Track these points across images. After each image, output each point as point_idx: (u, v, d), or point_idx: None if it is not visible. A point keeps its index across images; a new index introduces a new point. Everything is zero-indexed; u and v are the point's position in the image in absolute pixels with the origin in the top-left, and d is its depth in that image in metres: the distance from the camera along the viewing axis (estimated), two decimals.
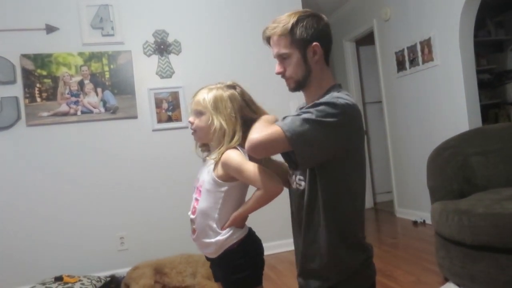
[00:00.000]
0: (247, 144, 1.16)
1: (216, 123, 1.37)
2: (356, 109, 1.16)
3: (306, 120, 1.09)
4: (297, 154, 1.11)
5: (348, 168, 1.18)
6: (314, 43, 1.21)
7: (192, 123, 1.45)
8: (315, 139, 1.09)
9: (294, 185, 1.29)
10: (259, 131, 1.15)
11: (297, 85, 1.26)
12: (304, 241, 1.24)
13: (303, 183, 1.23)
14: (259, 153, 1.19)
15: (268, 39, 1.27)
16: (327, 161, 1.15)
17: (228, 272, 1.40)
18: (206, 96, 1.41)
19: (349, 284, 1.18)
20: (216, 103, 1.39)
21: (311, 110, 1.11)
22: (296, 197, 1.29)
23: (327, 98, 1.15)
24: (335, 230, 1.18)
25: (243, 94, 1.42)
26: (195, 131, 1.45)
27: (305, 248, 1.24)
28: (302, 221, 1.24)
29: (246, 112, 1.39)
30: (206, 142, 1.48)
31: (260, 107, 1.43)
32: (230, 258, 1.38)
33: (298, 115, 1.12)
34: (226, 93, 1.39)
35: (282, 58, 1.24)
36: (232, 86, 1.42)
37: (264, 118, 1.34)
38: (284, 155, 1.22)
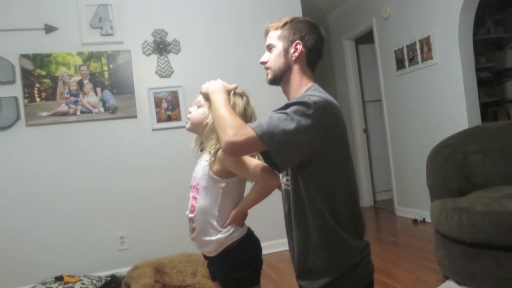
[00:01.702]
0: (222, 142, 1.15)
1: (210, 118, 1.40)
2: (330, 104, 1.16)
3: (280, 122, 1.10)
4: (273, 156, 1.12)
5: (328, 164, 1.17)
6: (297, 41, 1.27)
7: (190, 112, 1.51)
8: (290, 141, 1.09)
9: (283, 186, 1.31)
10: (233, 130, 1.12)
11: (274, 77, 1.31)
12: (296, 241, 1.25)
13: (290, 183, 1.24)
14: (234, 154, 1.22)
15: (267, 34, 1.36)
16: (307, 160, 1.15)
17: (228, 271, 1.40)
18: None
19: (347, 282, 1.18)
20: None
21: (285, 111, 1.12)
22: (285, 198, 1.31)
23: (298, 97, 1.17)
24: (324, 228, 1.18)
25: (247, 104, 1.45)
26: (188, 119, 1.50)
27: (298, 248, 1.24)
28: (292, 221, 1.25)
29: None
30: (195, 133, 1.53)
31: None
32: (230, 256, 1.39)
33: (271, 116, 1.12)
34: (232, 99, 1.41)
35: (269, 48, 1.32)
36: (240, 95, 1.45)
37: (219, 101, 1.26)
38: (264, 157, 1.23)
